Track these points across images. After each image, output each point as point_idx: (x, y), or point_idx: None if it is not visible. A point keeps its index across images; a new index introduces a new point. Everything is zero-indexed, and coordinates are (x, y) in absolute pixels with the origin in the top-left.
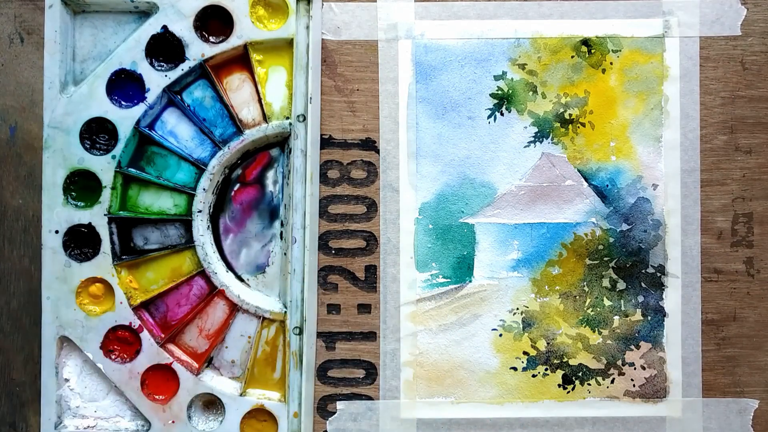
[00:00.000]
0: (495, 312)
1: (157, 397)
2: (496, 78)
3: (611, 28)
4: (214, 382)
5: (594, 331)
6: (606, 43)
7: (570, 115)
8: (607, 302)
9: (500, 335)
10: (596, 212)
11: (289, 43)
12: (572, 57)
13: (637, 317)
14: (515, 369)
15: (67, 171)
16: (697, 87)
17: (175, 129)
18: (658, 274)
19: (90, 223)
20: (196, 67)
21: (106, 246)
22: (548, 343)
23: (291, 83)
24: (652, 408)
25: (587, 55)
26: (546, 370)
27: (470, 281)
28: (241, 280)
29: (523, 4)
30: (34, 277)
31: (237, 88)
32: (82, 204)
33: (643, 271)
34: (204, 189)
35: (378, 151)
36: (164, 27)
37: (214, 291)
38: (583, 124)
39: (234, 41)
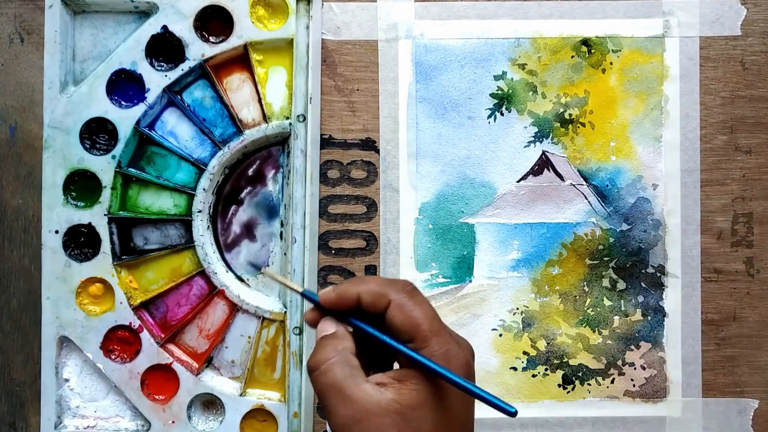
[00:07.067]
0: (495, 312)
1: (157, 397)
2: (496, 78)
3: (611, 28)
4: (214, 382)
5: (594, 331)
6: (606, 43)
7: (570, 115)
8: (607, 302)
9: (500, 335)
10: (596, 212)
11: (289, 43)
12: (572, 57)
13: (637, 317)
14: (515, 369)
15: (67, 171)
16: (697, 87)
17: (175, 129)
18: (658, 274)
19: (90, 223)
20: (196, 67)
21: (106, 246)
22: (548, 343)
23: (291, 83)
24: (652, 408)
25: (587, 55)
26: (546, 370)
27: (470, 281)
28: (241, 280)
29: (523, 4)
30: (34, 277)
31: (237, 88)
32: (82, 204)
33: (643, 271)
34: (204, 189)
35: (378, 151)
36: (164, 27)
37: (214, 291)
38: (583, 124)
39: (234, 41)
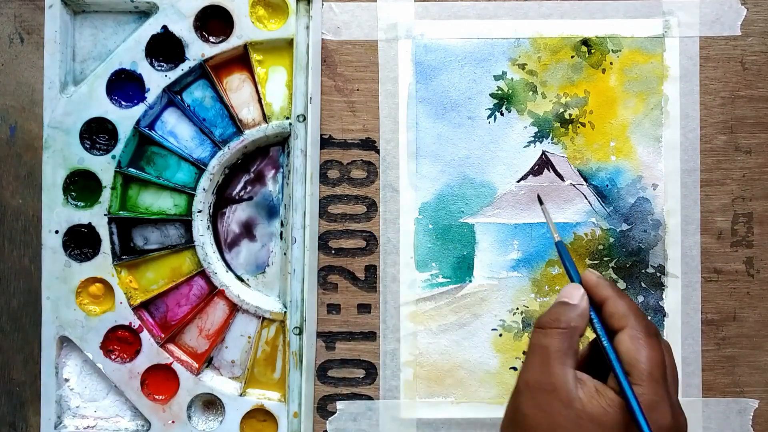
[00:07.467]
0: (495, 312)
1: (157, 397)
2: (496, 78)
3: (611, 28)
4: (214, 382)
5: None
6: (606, 43)
7: (570, 115)
8: None
9: (500, 335)
10: (596, 212)
11: (289, 43)
12: (572, 57)
13: None
14: (515, 369)
15: (67, 171)
16: (697, 87)
17: (175, 129)
18: (658, 274)
19: (90, 223)
20: (196, 67)
21: (106, 246)
22: None
23: (291, 83)
24: None
25: (587, 55)
26: None
27: (470, 281)
28: (241, 280)
29: (523, 4)
30: (34, 277)
31: (237, 88)
32: (82, 204)
33: (643, 271)
34: (204, 189)
35: (378, 151)
36: (164, 27)
37: (214, 291)
38: (583, 124)
39: (234, 41)
